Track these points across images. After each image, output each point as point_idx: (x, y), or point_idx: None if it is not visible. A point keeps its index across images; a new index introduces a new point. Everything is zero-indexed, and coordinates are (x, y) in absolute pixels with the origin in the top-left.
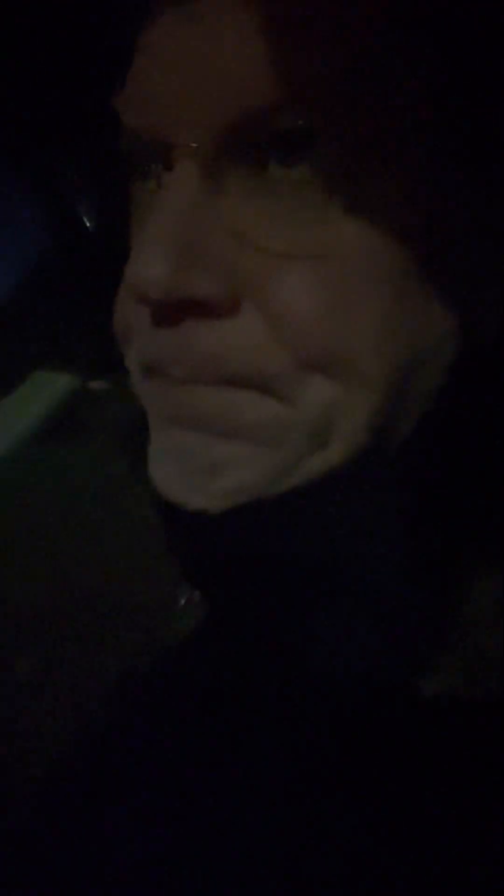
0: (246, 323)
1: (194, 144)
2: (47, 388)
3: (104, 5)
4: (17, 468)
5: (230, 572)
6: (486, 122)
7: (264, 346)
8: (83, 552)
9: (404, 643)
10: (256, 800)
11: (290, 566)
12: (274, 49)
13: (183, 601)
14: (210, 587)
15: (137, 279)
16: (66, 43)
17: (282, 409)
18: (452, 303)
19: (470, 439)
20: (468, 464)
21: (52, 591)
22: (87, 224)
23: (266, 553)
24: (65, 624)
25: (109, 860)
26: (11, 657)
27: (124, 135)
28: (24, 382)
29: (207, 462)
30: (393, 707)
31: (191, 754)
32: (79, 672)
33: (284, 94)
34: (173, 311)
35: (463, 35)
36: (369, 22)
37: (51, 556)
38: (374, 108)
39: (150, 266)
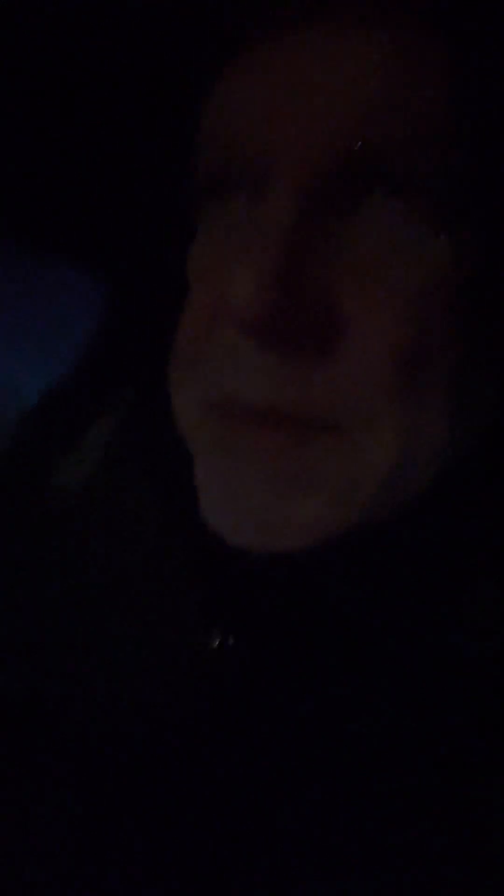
0: (339, 360)
1: (300, 166)
2: None
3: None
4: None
5: (269, 617)
6: None
7: (352, 379)
8: (116, 594)
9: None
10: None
11: (336, 616)
12: (392, 87)
13: (216, 643)
14: (245, 631)
15: (242, 300)
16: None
17: (356, 462)
18: None
19: None
20: None
21: (87, 636)
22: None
23: (311, 601)
24: (98, 658)
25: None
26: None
27: (210, 155)
28: None
29: (279, 514)
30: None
31: (217, 789)
32: (115, 709)
33: (397, 133)
34: (272, 336)
35: None
36: (484, 63)
37: (85, 596)
38: (481, 149)
39: (258, 287)
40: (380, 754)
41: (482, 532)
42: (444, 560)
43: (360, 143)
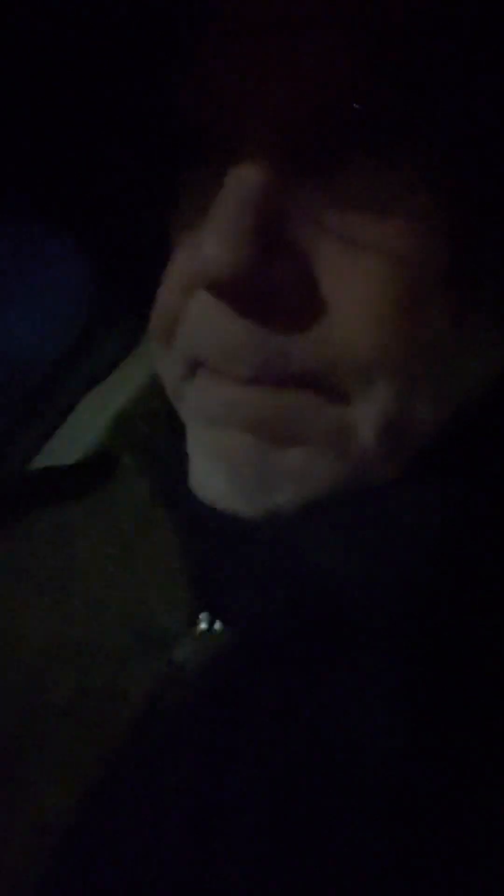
0: (318, 317)
1: (271, 122)
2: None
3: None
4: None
5: (255, 600)
6: None
7: (335, 342)
8: (107, 579)
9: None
10: (272, 828)
11: (325, 596)
12: (361, 40)
13: (203, 627)
14: (231, 614)
15: (211, 262)
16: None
17: (346, 413)
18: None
19: None
20: None
21: (80, 620)
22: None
23: (299, 578)
24: (93, 652)
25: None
26: (49, 685)
27: (186, 121)
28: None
29: (264, 471)
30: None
31: (207, 777)
32: (107, 698)
33: (370, 85)
34: (245, 299)
35: None
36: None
37: (77, 583)
38: (459, 107)
39: (227, 248)
40: (382, 743)
41: (489, 492)
42: (450, 523)
43: (356, 104)
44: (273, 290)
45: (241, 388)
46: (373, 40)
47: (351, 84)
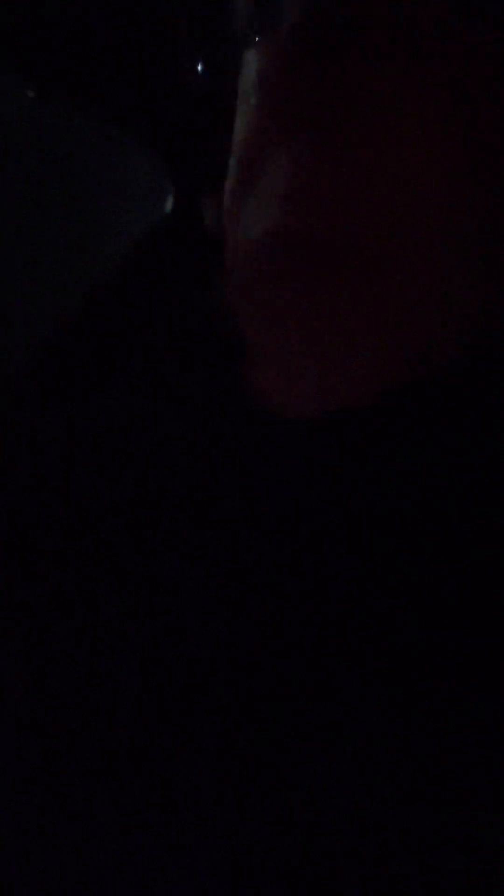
0: (374, 153)
1: None
2: None
3: None
4: None
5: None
6: None
7: (391, 203)
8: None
9: None
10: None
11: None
12: None
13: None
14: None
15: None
16: None
17: (397, 295)
18: None
19: None
20: None
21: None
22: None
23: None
24: None
25: None
26: None
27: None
28: None
29: (326, 365)
30: None
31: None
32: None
33: None
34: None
35: None
36: None
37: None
38: None
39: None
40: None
41: None
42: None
43: None
44: (331, 109)
45: (305, 280)
46: None
47: None
